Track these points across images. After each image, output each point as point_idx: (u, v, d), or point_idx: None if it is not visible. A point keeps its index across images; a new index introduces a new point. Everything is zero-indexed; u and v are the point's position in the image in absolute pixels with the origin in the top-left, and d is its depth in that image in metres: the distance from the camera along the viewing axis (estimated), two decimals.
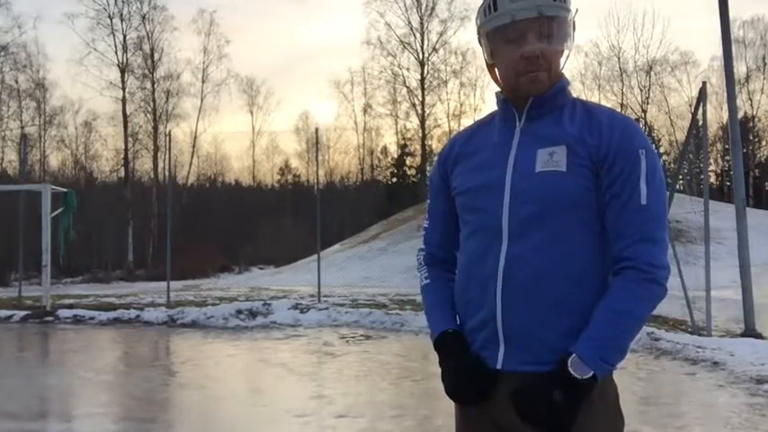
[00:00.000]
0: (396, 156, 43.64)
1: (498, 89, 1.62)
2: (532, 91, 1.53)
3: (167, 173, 26.59)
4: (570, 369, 1.40)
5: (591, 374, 1.41)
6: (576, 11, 1.56)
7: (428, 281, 1.72)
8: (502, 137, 1.58)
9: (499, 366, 1.51)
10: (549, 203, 1.48)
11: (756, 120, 42.39)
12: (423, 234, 1.76)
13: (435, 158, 1.75)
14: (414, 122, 42.84)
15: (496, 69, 1.60)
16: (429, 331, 1.68)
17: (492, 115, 1.67)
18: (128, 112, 38.62)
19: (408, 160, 42.40)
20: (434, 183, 1.72)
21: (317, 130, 18.63)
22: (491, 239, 1.52)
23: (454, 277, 1.66)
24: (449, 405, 1.65)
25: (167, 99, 39.66)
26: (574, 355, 1.41)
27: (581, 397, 1.41)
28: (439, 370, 1.63)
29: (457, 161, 1.65)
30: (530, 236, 1.48)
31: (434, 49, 42.50)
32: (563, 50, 1.55)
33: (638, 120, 15.24)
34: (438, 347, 1.62)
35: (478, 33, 1.61)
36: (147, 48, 39.21)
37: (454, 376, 1.57)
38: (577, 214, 1.48)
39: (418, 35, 42.12)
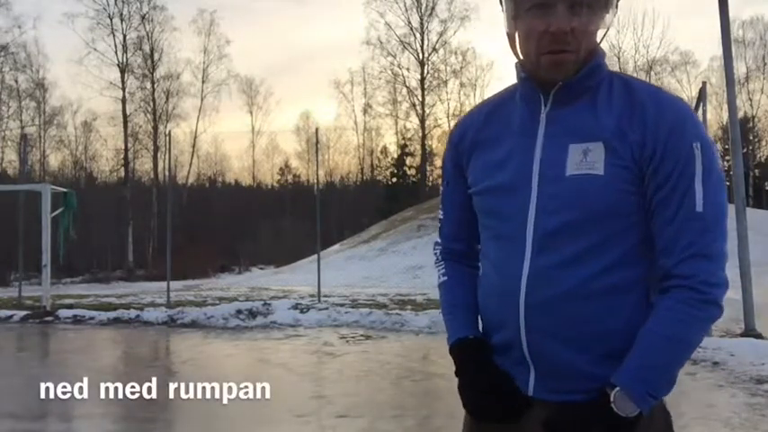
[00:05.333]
0: (396, 156, 43.63)
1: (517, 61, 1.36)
2: (554, 75, 1.28)
3: (167, 173, 26.61)
4: (613, 405, 1.21)
5: (637, 413, 1.22)
6: None
7: (445, 278, 1.49)
8: (524, 124, 1.33)
9: (531, 393, 1.32)
10: (582, 213, 1.25)
11: (756, 120, 42.38)
12: (439, 227, 1.55)
13: (447, 142, 1.51)
14: (414, 122, 42.84)
15: (517, 39, 1.31)
16: (447, 335, 1.47)
17: (512, 91, 1.39)
18: (128, 112, 38.63)
19: (408, 160, 42.40)
20: (448, 170, 1.48)
21: (317, 130, 18.65)
22: (512, 250, 1.31)
23: (477, 272, 1.45)
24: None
25: (167, 99, 39.67)
26: (618, 389, 1.21)
27: None
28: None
29: (472, 149, 1.41)
30: (559, 249, 1.26)
31: (434, 49, 42.50)
32: (599, 27, 1.27)
33: None
34: (455, 355, 1.41)
35: None
36: (146, 48, 39.22)
37: (477, 391, 1.35)
38: (616, 224, 1.26)
39: (418, 35, 42.12)
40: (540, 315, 1.28)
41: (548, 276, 1.27)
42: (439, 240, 1.54)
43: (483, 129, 1.40)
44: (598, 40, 1.30)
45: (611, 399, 1.21)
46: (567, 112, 1.30)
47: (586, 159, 1.26)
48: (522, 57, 1.32)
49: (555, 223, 1.27)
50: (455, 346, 1.41)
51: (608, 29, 1.28)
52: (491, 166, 1.36)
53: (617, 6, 1.27)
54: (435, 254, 1.55)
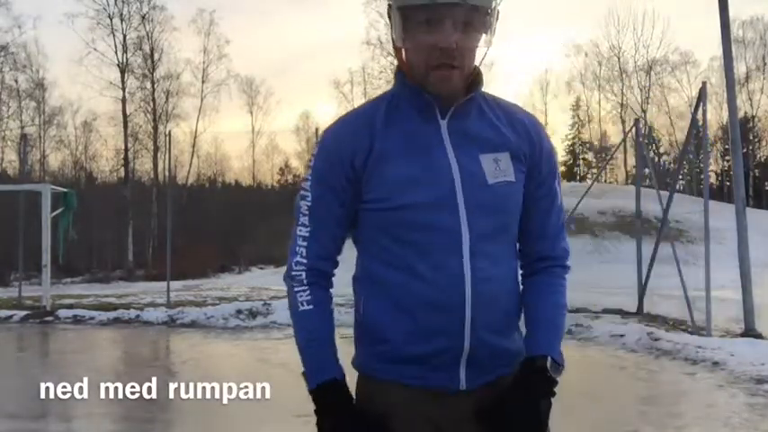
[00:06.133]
0: None
1: (400, 69, 1.46)
2: (442, 90, 1.39)
3: (167, 173, 26.60)
4: (551, 372, 1.41)
5: (561, 371, 1.45)
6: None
7: (310, 307, 1.43)
8: (427, 136, 1.41)
9: (463, 387, 1.41)
10: (505, 215, 1.43)
11: (756, 120, 42.37)
12: (298, 244, 1.47)
13: (321, 150, 1.46)
14: None
15: (404, 52, 1.43)
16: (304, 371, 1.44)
17: (395, 100, 1.45)
18: (128, 112, 38.59)
19: None
20: (331, 182, 1.43)
21: (317, 130, 18.67)
22: (447, 259, 1.38)
23: (331, 297, 1.48)
24: None
25: (167, 99, 39.61)
26: (549, 358, 1.42)
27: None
28: None
29: (374, 163, 1.40)
30: (490, 250, 1.40)
31: None
32: (479, 46, 1.40)
33: (637, 120, 15.28)
34: (324, 396, 1.40)
35: (389, 7, 1.40)
36: (146, 48, 39.19)
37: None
38: (516, 221, 1.47)
39: None
40: (484, 313, 1.40)
41: (487, 277, 1.40)
42: (301, 260, 1.46)
43: (381, 141, 1.41)
44: (479, 59, 1.42)
45: (548, 368, 1.41)
46: (464, 124, 1.42)
47: (499, 168, 1.42)
48: (410, 68, 1.42)
49: (486, 228, 1.40)
50: (327, 386, 1.40)
51: (487, 49, 1.41)
52: (405, 180, 1.38)
53: (495, 29, 1.39)
54: (296, 275, 1.46)
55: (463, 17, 1.34)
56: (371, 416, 1.41)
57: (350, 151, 1.41)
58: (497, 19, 1.39)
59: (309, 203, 1.46)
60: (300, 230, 1.47)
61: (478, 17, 1.36)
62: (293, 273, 1.46)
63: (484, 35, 1.39)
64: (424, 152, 1.40)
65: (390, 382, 1.42)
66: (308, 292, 1.44)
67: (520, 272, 1.53)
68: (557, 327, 1.48)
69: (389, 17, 1.41)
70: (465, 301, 1.38)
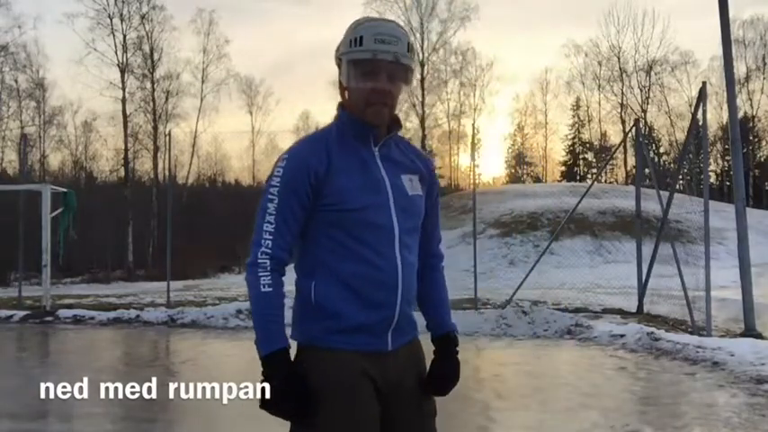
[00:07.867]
0: None
1: (342, 105, 1.93)
2: (375, 122, 1.88)
3: (167, 173, 26.61)
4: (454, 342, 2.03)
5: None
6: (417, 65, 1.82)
7: (270, 289, 1.86)
8: (367, 159, 1.89)
9: (390, 348, 1.86)
10: (417, 219, 1.94)
11: (756, 120, 42.38)
12: (264, 237, 1.85)
13: (288, 163, 1.85)
14: (414, 122, 42.79)
15: (347, 92, 1.90)
16: (259, 340, 1.90)
17: (341, 130, 1.91)
18: (128, 112, 38.59)
19: None
20: (296, 188, 1.82)
21: (316, 129, 18.65)
22: (386, 249, 1.83)
23: (284, 282, 1.87)
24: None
25: (167, 99, 39.62)
26: (452, 332, 2.04)
27: None
28: None
29: (332, 175, 1.83)
30: (408, 243, 1.88)
31: (434, 49, 42.52)
32: (401, 93, 1.92)
33: (637, 120, 15.36)
34: (278, 361, 1.84)
35: (338, 59, 1.89)
36: (146, 48, 39.18)
37: (292, 395, 1.81)
38: (420, 225, 1.96)
39: (418, 35, 42.11)
40: (406, 289, 1.86)
41: (408, 262, 1.87)
42: (266, 251, 1.84)
43: (335, 160, 1.85)
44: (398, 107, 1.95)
45: (454, 337, 2.03)
46: (389, 152, 1.93)
47: (413, 185, 1.94)
48: (352, 105, 1.89)
49: (408, 226, 1.89)
50: (280, 353, 1.84)
51: (408, 95, 1.98)
52: (359, 188, 1.84)
53: (413, 82, 1.95)
54: (261, 263, 1.85)
55: (394, 72, 1.85)
56: (306, 383, 1.81)
57: (314, 163, 1.83)
58: (414, 76, 1.94)
59: (276, 205, 1.84)
60: (267, 227, 1.85)
61: (404, 73, 1.88)
62: (259, 261, 1.85)
63: (406, 88, 1.93)
64: (366, 169, 1.87)
65: (338, 350, 1.82)
66: (269, 277, 1.85)
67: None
68: (450, 307, 2.09)
69: (338, 66, 1.89)
70: (398, 280, 1.83)
